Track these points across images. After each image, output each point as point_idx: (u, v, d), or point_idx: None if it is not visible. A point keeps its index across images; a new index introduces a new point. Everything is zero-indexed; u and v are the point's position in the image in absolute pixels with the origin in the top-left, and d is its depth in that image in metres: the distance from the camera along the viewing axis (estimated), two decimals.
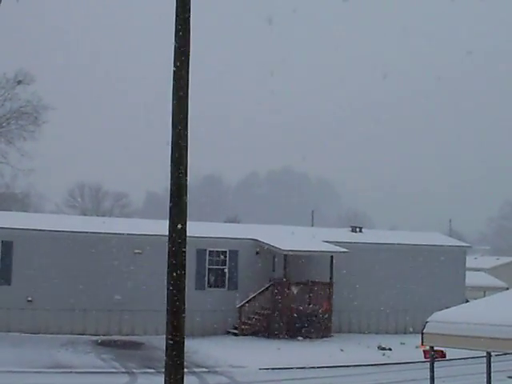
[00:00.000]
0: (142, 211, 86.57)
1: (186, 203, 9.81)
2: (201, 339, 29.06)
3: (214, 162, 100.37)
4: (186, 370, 9.92)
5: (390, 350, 28.68)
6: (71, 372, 22.15)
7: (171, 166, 9.80)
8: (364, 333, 33.77)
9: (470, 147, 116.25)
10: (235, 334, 31.28)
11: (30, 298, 29.19)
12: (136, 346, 28.15)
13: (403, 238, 37.88)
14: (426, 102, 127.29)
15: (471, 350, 11.31)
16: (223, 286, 32.54)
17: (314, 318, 31.63)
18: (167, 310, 9.64)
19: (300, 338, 30.80)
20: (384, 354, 27.95)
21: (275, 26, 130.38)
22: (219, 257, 32.60)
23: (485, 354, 11.89)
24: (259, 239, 32.80)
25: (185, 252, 9.74)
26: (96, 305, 29.71)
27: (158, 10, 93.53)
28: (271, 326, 31.42)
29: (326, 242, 33.55)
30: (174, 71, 9.82)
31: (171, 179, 9.79)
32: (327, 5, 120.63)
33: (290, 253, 31.56)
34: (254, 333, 31.30)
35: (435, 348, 11.44)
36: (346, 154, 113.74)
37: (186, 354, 9.90)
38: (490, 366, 11.86)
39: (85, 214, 69.81)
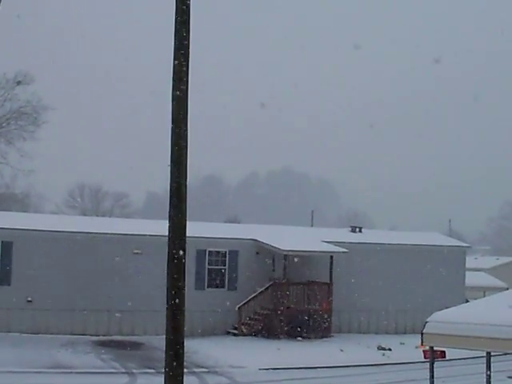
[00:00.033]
0: (142, 211, 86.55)
1: (186, 203, 9.81)
2: (201, 339, 29.05)
3: (214, 162, 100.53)
4: (185, 370, 9.91)
5: (389, 350, 28.68)
6: (71, 372, 22.17)
7: (171, 166, 9.79)
8: (364, 333, 33.80)
9: (470, 147, 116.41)
10: (235, 335, 31.27)
11: (29, 299, 29.18)
12: (136, 346, 28.12)
13: (403, 238, 37.89)
14: (426, 102, 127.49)
15: (471, 350, 11.30)
16: (223, 287, 32.52)
17: (313, 318, 31.64)
18: (167, 310, 9.64)
19: (300, 338, 30.78)
20: (384, 354, 27.96)
21: (275, 26, 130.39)
22: (219, 257, 32.58)
23: (485, 354, 11.88)
24: (259, 239, 32.78)
25: (185, 252, 9.74)
26: (96, 305, 29.70)
27: (157, 10, 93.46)
28: (271, 326, 31.40)
29: (326, 242, 33.57)
30: (174, 71, 9.83)
31: (171, 179, 9.77)
32: (327, 5, 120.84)
33: (290, 253, 31.56)
34: (254, 333, 31.28)
35: (435, 348, 11.43)
36: (346, 154, 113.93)
37: (185, 354, 9.89)
38: (489, 366, 11.86)
39: (85, 215, 69.66)
